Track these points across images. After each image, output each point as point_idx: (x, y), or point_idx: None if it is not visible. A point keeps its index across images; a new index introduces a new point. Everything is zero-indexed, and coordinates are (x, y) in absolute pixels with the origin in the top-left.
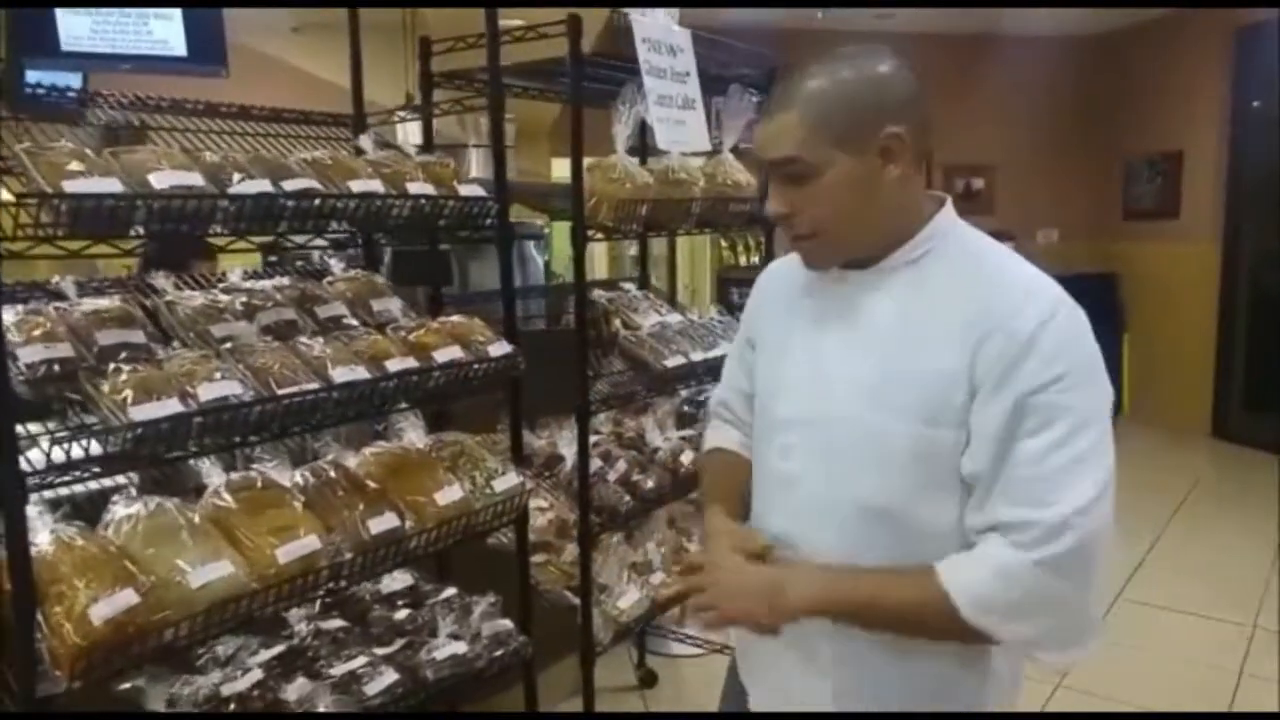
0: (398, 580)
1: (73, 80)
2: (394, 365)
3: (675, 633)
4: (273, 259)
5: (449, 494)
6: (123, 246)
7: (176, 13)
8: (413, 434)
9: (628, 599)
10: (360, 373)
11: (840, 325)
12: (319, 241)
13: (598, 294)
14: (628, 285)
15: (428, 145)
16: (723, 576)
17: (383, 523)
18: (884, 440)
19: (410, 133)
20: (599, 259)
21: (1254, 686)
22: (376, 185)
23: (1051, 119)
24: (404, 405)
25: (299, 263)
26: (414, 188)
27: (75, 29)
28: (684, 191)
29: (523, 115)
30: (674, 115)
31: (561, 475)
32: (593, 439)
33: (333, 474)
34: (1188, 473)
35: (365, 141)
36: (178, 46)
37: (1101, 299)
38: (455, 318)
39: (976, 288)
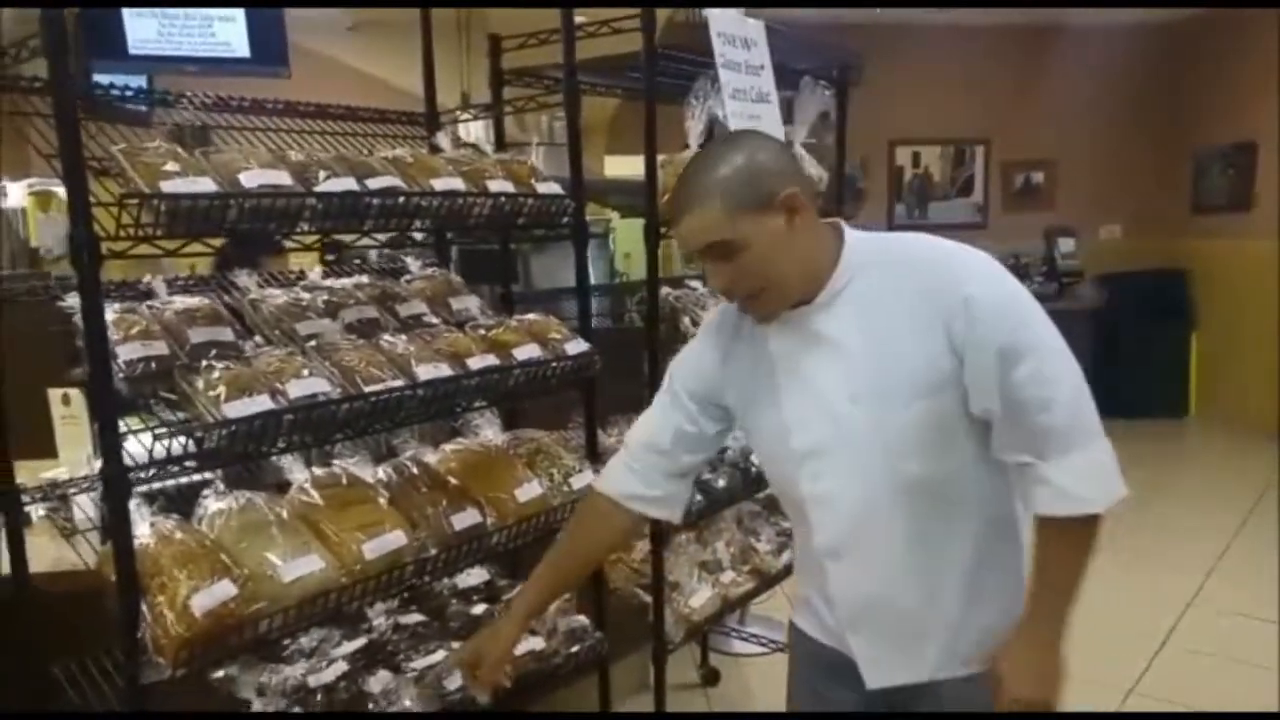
0: (474, 576)
1: (139, 82)
2: (475, 363)
3: (738, 631)
4: (330, 257)
5: (528, 490)
6: (212, 244)
7: (239, 14)
8: (489, 431)
9: (699, 597)
10: (443, 370)
11: (814, 356)
12: (368, 242)
13: (665, 291)
14: (694, 283)
15: (500, 143)
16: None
17: (465, 519)
18: (897, 428)
19: (471, 132)
20: (638, 255)
21: None
22: (458, 183)
23: (1117, 110)
24: (482, 404)
25: (356, 260)
26: (494, 185)
27: (143, 32)
28: None
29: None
30: (748, 109)
31: None
32: None
33: (414, 471)
34: (1258, 476)
35: (443, 139)
36: (240, 48)
37: (1168, 296)
38: (531, 316)
39: (911, 283)
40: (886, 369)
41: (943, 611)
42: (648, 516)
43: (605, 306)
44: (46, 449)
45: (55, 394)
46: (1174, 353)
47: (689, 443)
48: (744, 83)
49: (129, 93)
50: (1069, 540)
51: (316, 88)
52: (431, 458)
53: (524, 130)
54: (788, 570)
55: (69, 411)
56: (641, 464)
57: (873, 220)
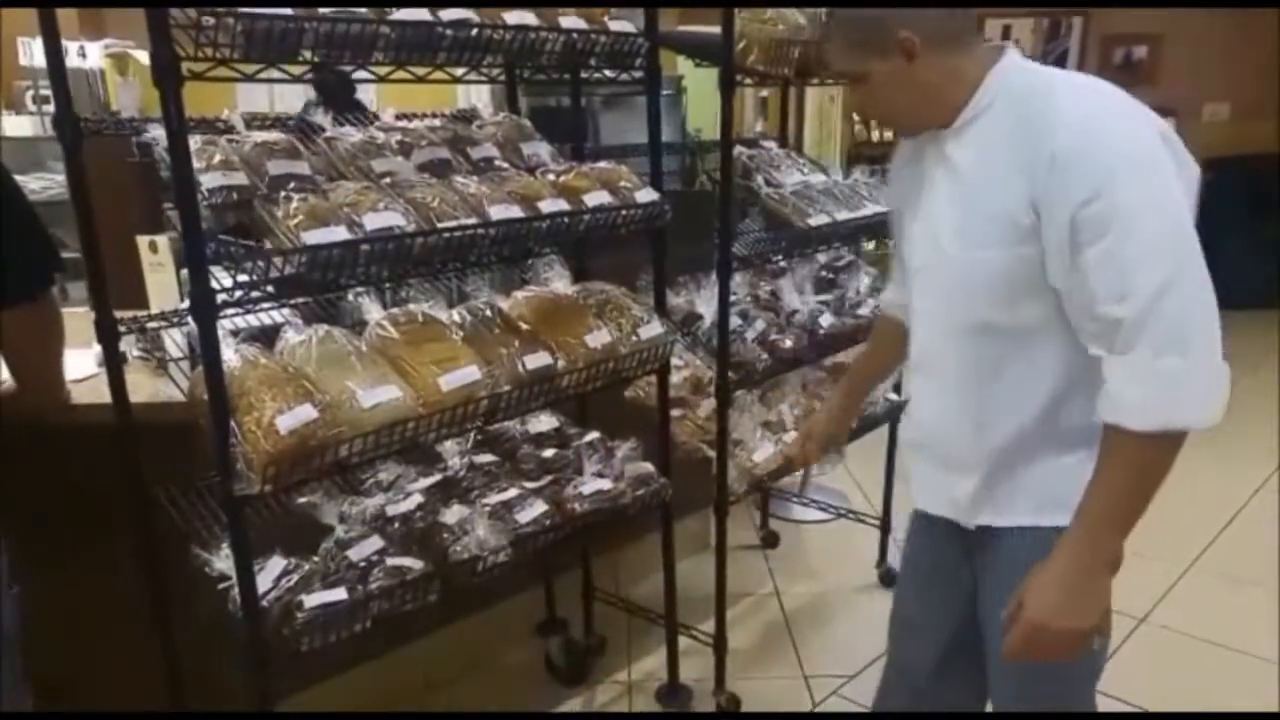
0: (544, 422)
1: None
2: (546, 206)
3: (798, 497)
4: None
5: (598, 337)
6: (292, 72)
7: None
8: (560, 283)
9: (761, 453)
10: (515, 211)
11: (939, 180)
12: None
13: (739, 150)
14: (769, 143)
15: None
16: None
17: (537, 359)
18: (978, 268)
19: None
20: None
21: None
22: (530, 17)
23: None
24: (552, 250)
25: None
26: (566, 22)
27: None
28: None
29: None
30: None
31: (700, 333)
32: (730, 298)
33: (488, 313)
34: None
35: None
36: None
37: (1274, 182)
38: (602, 164)
39: (1027, 124)
40: (976, 208)
41: (984, 454)
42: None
43: (676, 167)
44: (138, 300)
45: (143, 241)
46: (1271, 239)
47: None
48: None
49: None
50: (1115, 457)
51: None
52: (503, 303)
53: None
54: (850, 436)
55: (157, 259)
56: (898, 278)
57: None
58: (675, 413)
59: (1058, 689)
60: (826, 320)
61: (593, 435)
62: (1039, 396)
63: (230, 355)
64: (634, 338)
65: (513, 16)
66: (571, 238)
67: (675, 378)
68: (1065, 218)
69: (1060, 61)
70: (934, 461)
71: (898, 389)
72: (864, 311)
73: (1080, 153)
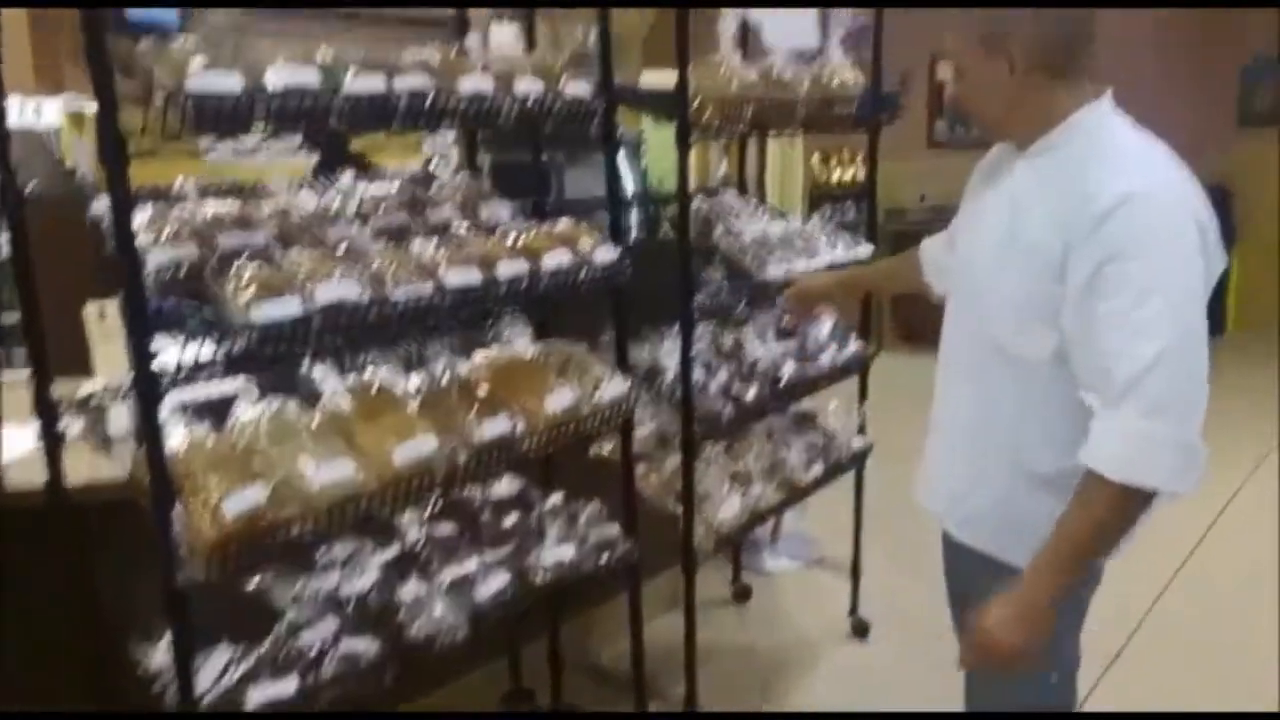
0: (506, 486)
1: (170, 16)
2: (504, 269)
3: (771, 549)
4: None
5: (559, 399)
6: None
7: None
8: (520, 342)
9: (728, 508)
10: (472, 276)
11: (999, 201)
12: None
13: (699, 201)
14: (729, 192)
15: (531, 46)
16: (983, 652)
17: (495, 426)
18: (1002, 287)
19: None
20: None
21: None
22: (486, 84)
23: (1162, 23)
24: (512, 311)
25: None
26: (522, 86)
27: None
28: (789, 92)
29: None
30: (780, 12)
31: (662, 387)
32: (697, 349)
33: (445, 379)
34: None
35: (472, 41)
36: None
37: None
38: (562, 223)
39: (1084, 174)
40: (1016, 235)
41: (967, 461)
42: (923, 275)
43: (642, 218)
44: (85, 367)
45: (92, 310)
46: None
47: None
48: None
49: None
50: (1085, 499)
51: None
52: (462, 367)
53: (558, 44)
54: (817, 483)
55: (105, 327)
56: (947, 238)
57: (912, 136)
58: (640, 468)
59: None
60: (788, 369)
61: (556, 499)
62: (1030, 430)
63: (177, 434)
64: (595, 397)
65: (468, 83)
66: (531, 300)
67: (641, 432)
68: (1089, 268)
69: None
70: (934, 449)
71: (863, 432)
72: (825, 359)
73: (1115, 217)
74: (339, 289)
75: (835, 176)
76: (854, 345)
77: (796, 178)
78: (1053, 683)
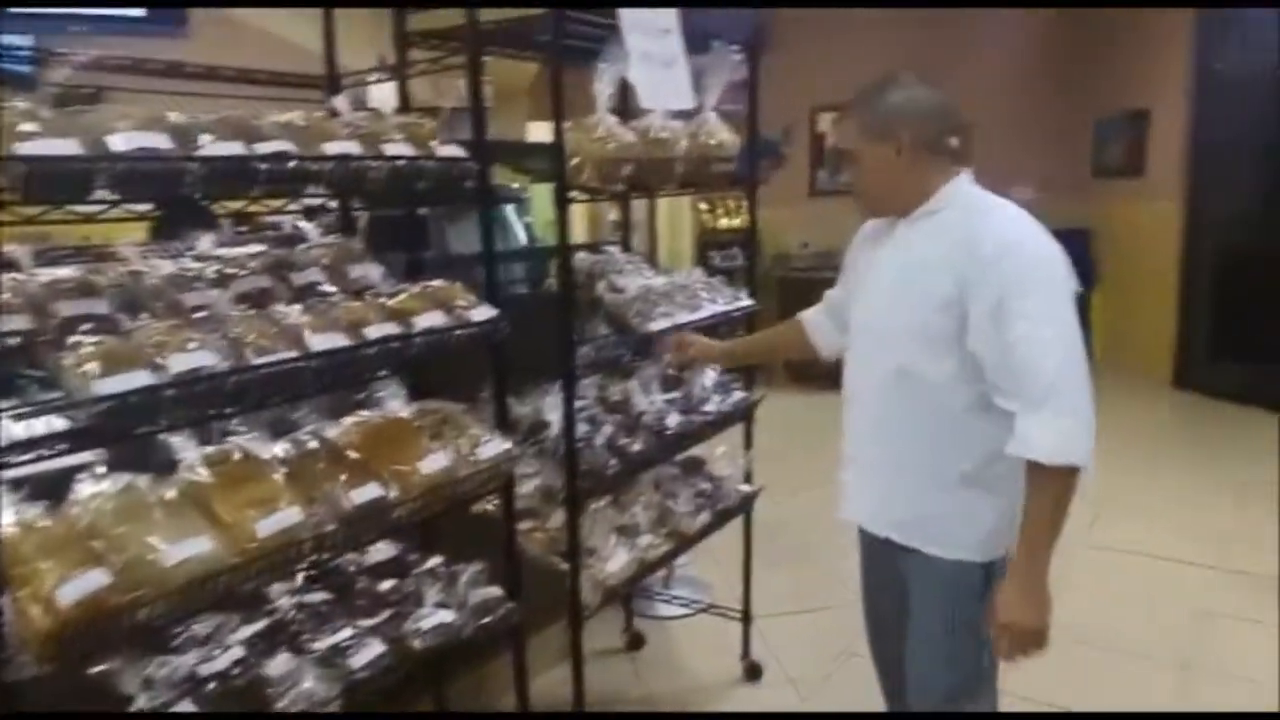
0: (382, 551)
1: (22, 40)
2: (373, 332)
3: (662, 594)
4: (242, 229)
5: (433, 462)
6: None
7: None
8: (395, 403)
9: (615, 562)
10: (339, 340)
11: (891, 256)
12: (294, 208)
13: (581, 256)
14: (611, 248)
15: (405, 107)
16: (1014, 640)
17: (366, 493)
18: (903, 322)
19: (380, 96)
20: (578, 223)
21: (1214, 624)
22: (353, 147)
23: (1026, 78)
24: (385, 374)
25: (270, 231)
26: (391, 149)
27: None
28: (667, 151)
29: (500, 77)
30: (656, 73)
31: (547, 442)
32: (578, 404)
33: (314, 445)
34: (1156, 420)
35: (340, 103)
36: (135, 6)
37: (1072, 255)
38: (436, 282)
39: (967, 230)
40: (914, 279)
41: (889, 470)
42: (811, 342)
43: (525, 273)
44: None
45: None
46: (1079, 308)
47: (840, 313)
48: (651, 46)
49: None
50: (1036, 487)
51: (226, 52)
52: (332, 431)
53: (440, 95)
54: (705, 530)
55: None
56: (825, 304)
57: (795, 185)
58: (525, 525)
59: (951, 683)
60: (673, 420)
61: (435, 561)
62: (937, 439)
63: (5, 519)
64: (473, 458)
65: (334, 146)
66: (402, 362)
67: (526, 487)
68: (990, 303)
69: None
70: (854, 473)
71: (749, 478)
72: (710, 408)
73: (1002, 260)
74: (195, 358)
75: (723, 223)
76: (738, 393)
77: (685, 225)
78: (984, 665)
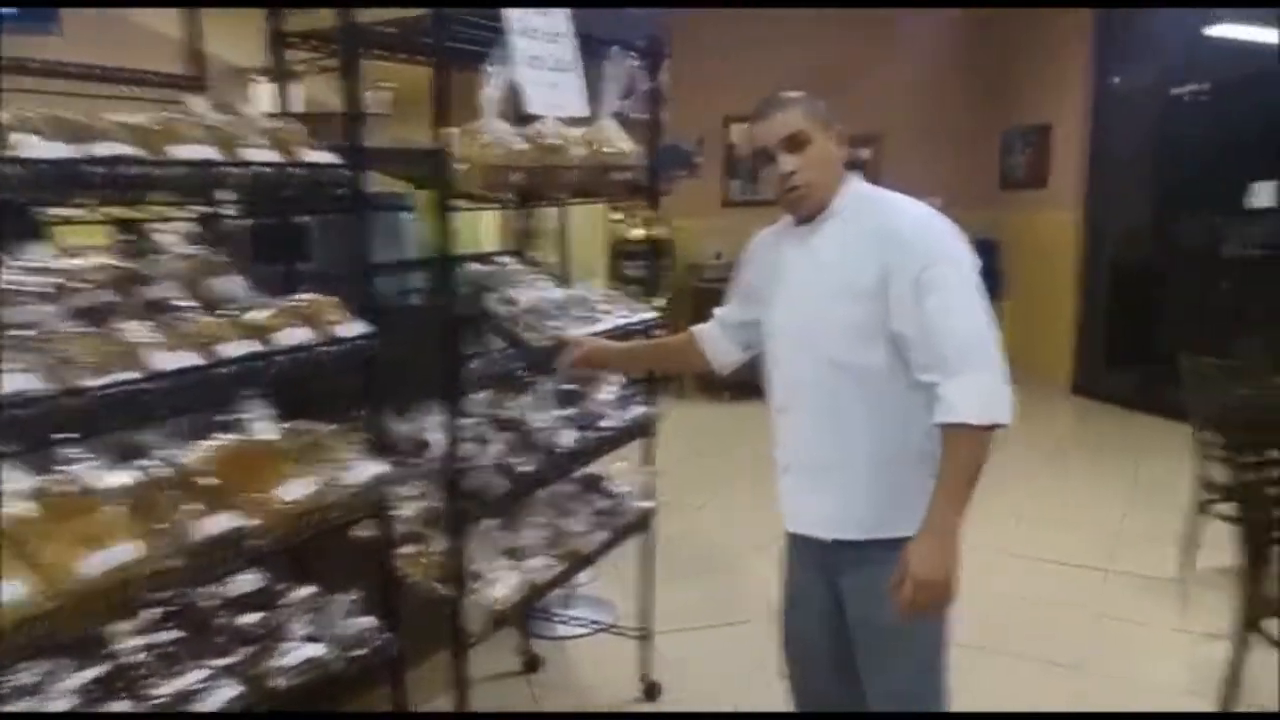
0: (247, 582)
1: None
2: (229, 350)
3: (559, 615)
4: (132, 238)
5: (296, 488)
6: None
7: None
8: (262, 424)
9: (504, 586)
10: (189, 359)
11: (802, 259)
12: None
13: (473, 268)
14: (506, 259)
15: (285, 111)
16: (921, 590)
17: (218, 523)
18: (832, 318)
19: (268, 99)
20: (489, 230)
21: (1110, 627)
22: (206, 151)
23: (935, 91)
24: (252, 393)
25: (131, 239)
26: (252, 154)
27: None
28: (561, 158)
29: (405, 82)
30: (546, 78)
31: (428, 463)
32: (466, 421)
33: (164, 472)
34: (1057, 426)
35: (200, 104)
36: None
37: (983, 264)
38: (306, 296)
39: (876, 220)
40: (832, 277)
41: (838, 469)
42: (705, 356)
43: (430, 282)
44: None
45: None
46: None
47: (735, 330)
48: (541, 49)
49: None
50: (953, 447)
51: (101, 50)
52: (186, 457)
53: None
54: (603, 548)
55: None
56: (715, 320)
57: (708, 196)
58: (409, 549)
59: (917, 675)
60: (568, 437)
61: (306, 591)
62: (884, 425)
63: None
64: (342, 483)
65: (184, 150)
66: (264, 382)
67: (409, 509)
68: (911, 277)
69: None
70: (801, 481)
71: (649, 493)
72: (607, 423)
73: (920, 237)
74: (14, 381)
75: (636, 233)
76: (638, 408)
77: (599, 234)
78: (939, 667)
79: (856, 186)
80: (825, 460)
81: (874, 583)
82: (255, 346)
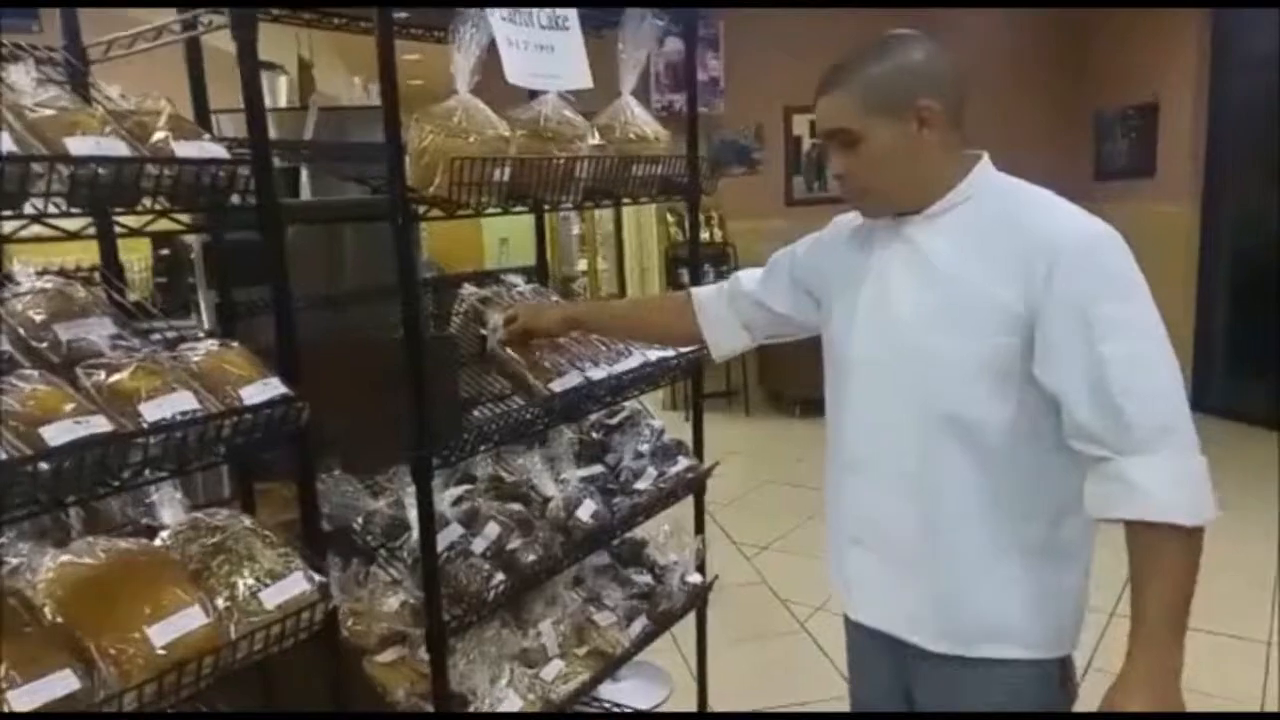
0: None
1: None
2: (56, 434)
3: (595, 700)
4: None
5: (177, 623)
6: None
7: None
8: (167, 512)
9: (508, 705)
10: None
11: (904, 265)
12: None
13: (467, 290)
14: (513, 277)
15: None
16: None
17: (48, 687)
18: (943, 352)
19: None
20: (522, 239)
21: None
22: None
23: (1017, 73)
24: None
25: None
26: (76, 144)
27: None
28: (564, 148)
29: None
30: (533, 37)
31: (406, 552)
32: (459, 491)
33: None
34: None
35: (16, 72)
36: None
37: None
38: (211, 344)
39: (1022, 220)
40: (953, 297)
41: (932, 557)
42: (700, 334)
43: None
44: None
45: None
46: None
47: (749, 306)
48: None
49: None
50: (1157, 555)
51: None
52: (24, 578)
53: (348, 89)
54: (641, 643)
55: None
56: (735, 288)
57: (771, 194)
58: (388, 655)
59: None
60: (589, 508)
61: None
62: (1004, 503)
63: None
64: (251, 607)
65: None
66: (111, 478)
67: (392, 603)
68: (1076, 310)
69: None
70: (878, 564)
71: (701, 567)
72: (643, 485)
73: (1088, 254)
74: None
75: (707, 235)
76: (683, 460)
77: (652, 238)
78: None
79: (985, 174)
80: (915, 543)
81: (963, 708)
82: (105, 425)
